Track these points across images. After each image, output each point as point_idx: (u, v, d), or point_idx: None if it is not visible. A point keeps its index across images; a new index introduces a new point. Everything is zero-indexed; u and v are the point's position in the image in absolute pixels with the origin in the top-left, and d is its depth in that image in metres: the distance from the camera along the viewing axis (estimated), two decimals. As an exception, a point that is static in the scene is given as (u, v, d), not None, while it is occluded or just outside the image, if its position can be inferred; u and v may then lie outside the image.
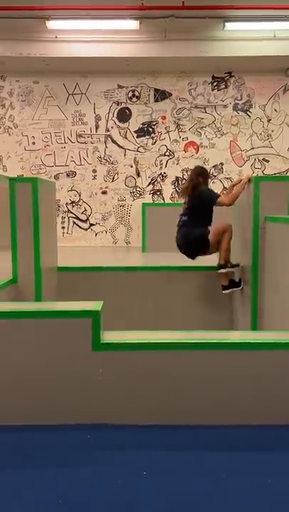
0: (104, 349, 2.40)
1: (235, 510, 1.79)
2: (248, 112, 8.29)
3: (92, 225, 8.48)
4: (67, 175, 8.39)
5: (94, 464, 2.09)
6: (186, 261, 4.63)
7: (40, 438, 2.30)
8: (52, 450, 2.21)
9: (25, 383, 2.42)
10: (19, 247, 4.05)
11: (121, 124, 8.32)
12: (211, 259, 4.77)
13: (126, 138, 8.35)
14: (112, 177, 8.40)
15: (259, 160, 8.38)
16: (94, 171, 8.39)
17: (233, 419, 2.41)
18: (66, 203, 8.36)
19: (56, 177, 8.30)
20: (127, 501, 1.83)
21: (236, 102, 8.27)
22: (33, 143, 8.34)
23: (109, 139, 8.35)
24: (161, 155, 8.38)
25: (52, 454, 2.17)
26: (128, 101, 8.28)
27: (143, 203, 7.49)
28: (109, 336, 2.47)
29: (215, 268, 4.52)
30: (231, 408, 2.42)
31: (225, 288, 4.43)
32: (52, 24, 6.93)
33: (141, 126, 8.33)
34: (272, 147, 8.36)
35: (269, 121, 8.30)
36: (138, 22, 6.90)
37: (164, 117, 8.31)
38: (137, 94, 8.26)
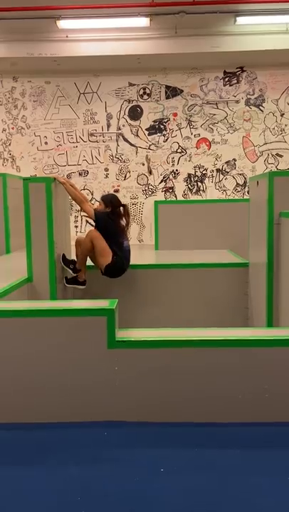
0: (120, 347, 2.40)
1: (256, 508, 1.78)
2: (260, 107, 8.20)
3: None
4: (80, 174, 8.42)
5: (111, 462, 2.10)
6: (200, 258, 4.62)
7: (57, 436, 2.32)
8: (69, 448, 2.22)
9: (42, 382, 2.44)
10: (34, 246, 4.08)
11: (132, 122, 8.31)
12: (225, 257, 4.73)
13: (137, 136, 8.34)
14: (124, 175, 8.40)
15: (272, 155, 8.29)
16: (106, 169, 8.41)
17: (250, 416, 2.39)
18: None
19: (69, 176, 8.34)
20: (145, 498, 1.83)
21: (248, 97, 8.19)
22: (46, 143, 8.39)
23: (120, 137, 8.35)
24: (173, 152, 8.35)
25: (69, 452, 2.19)
26: (139, 98, 8.26)
27: (155, 201, 7.45)
28: (124, 334, 2.48)
29: (213, 265, 4.58)
30: (248, 405, 2.40)
31: (70, 282, 4.46)
32: (62, 24, 6.94)
33: (152, 123, 8.31)
34: (285, 142, 8.25)
35: (282, 115, 8.20)
36: (148, 19, 6.86)
37: (175, 114, 8.28)
38: (148, 91, 8.25)
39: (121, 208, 4.52)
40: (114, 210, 4.48)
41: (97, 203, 4.74)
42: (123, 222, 4.53)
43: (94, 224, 4.45)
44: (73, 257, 4.64)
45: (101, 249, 4.34)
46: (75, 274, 4.45)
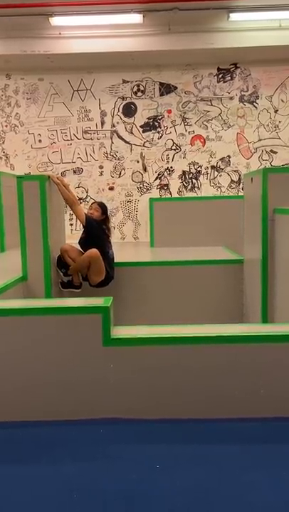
0: (115, 344, 2.41)
1: (250, 503, 1.79)
2: (254, 104, 8.21)
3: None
4: (74, 172, 8.40)
5: (108, 458, 2.11)
6: (195, 255, 4.62)
7: (53, 433, 2.32)
8: (65, 445, 2.23)
9: (38, 380, 2.44)
10: (28, 244, 4.07)
11: (126, 119, 8.29)
12: (220, 254, 4.74)
13: (132, 133, 8.32)
14: (118, 173, 8.39)
15: (267, 151, 8.30)
16: (100, 167, 8.39)
17: (245, 412, 2.40)
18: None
19: (63, 174, 8.31)
20: (142, 494, 1.84)
21: (242, 93, 8.19)
22: (40, 140, 8.35)
23: (115, 134, 8.33)
24: (167, 149, 8.34)
25: (65, 449, 2.19)
26: (133, 96, 8.24)
27: (150, 198, 7.46)
28: (119, 331, 2.48)
29: (208, 262, 4.59)
30: (243, 401, 2.41)
31: (66, 286, 4.52)
32: (55, 20, 6.91)
33: (147, 120, 8.29)
34: (279, 138, 8.27)
35: (276, 112, 8.21)
36: (142, 16, 6.84)
37: (169, 111, 8.26)
38: (142, 88, 8.22)
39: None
40: (106, 217, 4.62)
41: (90, 209, 4.74)
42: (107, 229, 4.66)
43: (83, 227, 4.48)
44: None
45: (98, 269, 4.36)
46: (67, 278, 4.47)
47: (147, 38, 7.18)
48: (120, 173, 8.38)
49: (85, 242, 4.48)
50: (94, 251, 4.34)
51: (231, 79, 8.16)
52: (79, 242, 4.59)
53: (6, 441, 2.29)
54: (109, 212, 5.03)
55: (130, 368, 2.42)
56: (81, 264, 4.37)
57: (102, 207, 4.67)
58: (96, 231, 4.44)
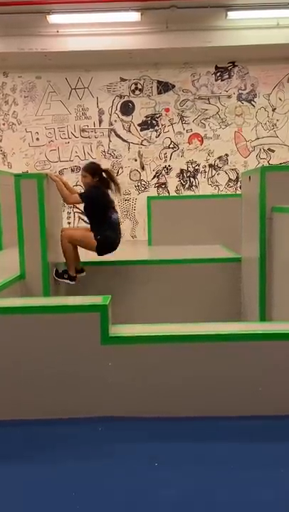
0: (113, 342, 2.41)
1: (250, 501, 1.80)
2: (252, 102, 8.21)
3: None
4: (72, 170, 8.38)
5: (106, 456, 2.11)
6: (193, 253, 4.63)
7: (51, 431, 2.32)
8: (64, 443, 2.23)
9: (35, 378, 2.43)
10: (26, 243, 4.06)
11: (124, 118, 8.28)
12: (218, 252, 4.74)
13: (130, 131, 8.31)
14: (116, 171, 8.37)
15: (264, 150, 8.31)
16: (98, 165, 8.38)
17: (244, 410, 2.41)
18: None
19: (61, 172, 8.30)
20: (141, 492, 1.84)
21: (240, 92, 8.19)
22: (37, 139, 8.33)
23: (112, 132, 8.32)
24: (165, 148, 8.34)
25: (64, 447, 2.20)
26: (131, 94, 8.23)
27: (148, 197, 7.45)
28: (117, 330, 2.48)
29: (206, 261, 4.55)
30: (242, 399, 2.42)
31: (60, 277, 4.39)
32: (53, 18, 6.89)
33: (144, 119, 8.28)
34: (277, 137, 8.28)
35: (274, 110, 8.22)
36: (139, 13, 6.83)
37: (167, 109, 8.26)
38: (139, 86, 8.21)
39: (104, 174, 4.31)
40: (101, 178, 4.26)
41: (80, 182, 4.46)
42: (111, 189, 4.34)
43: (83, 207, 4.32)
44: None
45: (82, 240, 4.24)
46: (72, 278, 4.37)
47: (145, 36, 7.17)
48: (118, 172, 8.37)
49: (88, 216, 4.36)
50: (63, 231, 4.33)
51: (229, 77, 8.16)
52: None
53: (4, 439, 2.29)
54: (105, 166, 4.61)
55: (128, 366, 2.42)
56: (67, 250, 4.27)
57: (89, 169, 4.30)
58: (91, 201, 4.22)
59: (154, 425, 2.34)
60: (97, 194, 4.25)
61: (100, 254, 4.34)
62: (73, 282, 4.40)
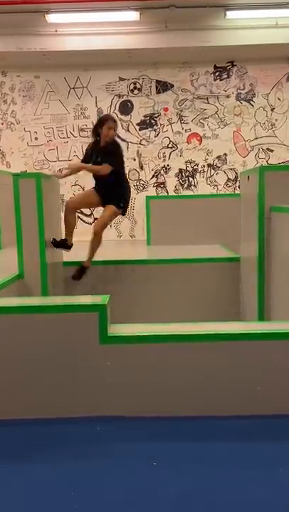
0: (112, 342, 2.40)
1: (249, 501, 1.80)
2: (251, 102, 8.21)
3: (96, 219, 8.47)
4: (71, 169, 8.37)
5: (105, 456, 2.11)
6: (191, 253, 4.63)
7: (50, 431, 2.32)
8: (63, 442, 2.23)
9: (34, 377, 2.43)
10: (25, 242, 4.06)
11: (123, 117, 8.28)
12: (217, 252, 4.74)
13: (128, 131, 8.31)
14: (115, 171, 8.37)
15: (263, 150, 8.31)
16: (97, 165, 8.37)
17: (243, 409, 2.41)
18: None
19: (60, 172, 8.29)
20: (140, 492, 1.84)
21: (239, 91, 8.19)
22: (36, 138, 8.33)
23: (111, 132, 8.31)
24: (164, 147, 8.34)
25: (63, 447, 2.19)
26: (130, 93, 8.23)
27: (147, 196, 7.45)
28: (116, 329, 2.48)
29: (205, 260, 4.68)
30: (241, 399, 2.42)
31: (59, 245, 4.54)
32: (52, 17, 6.88)
33: (143, 118, 8.28)
34: (276, 136, 8.28)
35: (273, 110, 8.22)
36: (138, 13, 6.83)
37: (166, 109, 8.26)
38: (138, 86, 8.21)
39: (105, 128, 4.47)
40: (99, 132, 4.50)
41: (106, 136, 4.50)
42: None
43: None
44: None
45: (111, 219, 4.81)
46: (69, 246, 4.60)
47: (144, 35, 7.16)
48: (117, 171, 8.36)
49: (117, 174, 4.45)
50: (112, 209, 4.51)
51: (228, 77, 8.16)
52: (103, 186, 4.55)
53: (2, 439, 2.29)
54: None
55: (127, 365, 2.41)
56: (69, 223, 4.59)
57: (116, 122, 4.57)
58: (122, 156, 4.56)
59: (153, 424, 2.34)
60: (121, 151, 4.60)
61: (124, 214, 4.72)
62: (69, 250, 4.64)
